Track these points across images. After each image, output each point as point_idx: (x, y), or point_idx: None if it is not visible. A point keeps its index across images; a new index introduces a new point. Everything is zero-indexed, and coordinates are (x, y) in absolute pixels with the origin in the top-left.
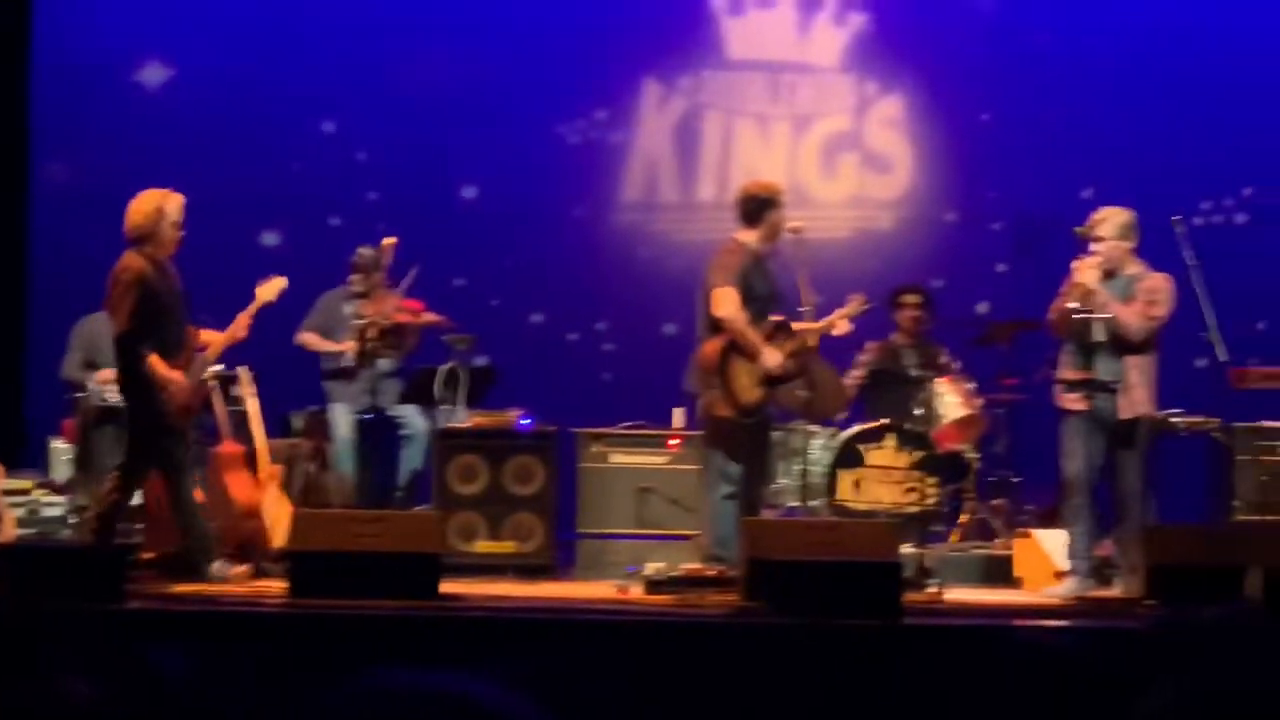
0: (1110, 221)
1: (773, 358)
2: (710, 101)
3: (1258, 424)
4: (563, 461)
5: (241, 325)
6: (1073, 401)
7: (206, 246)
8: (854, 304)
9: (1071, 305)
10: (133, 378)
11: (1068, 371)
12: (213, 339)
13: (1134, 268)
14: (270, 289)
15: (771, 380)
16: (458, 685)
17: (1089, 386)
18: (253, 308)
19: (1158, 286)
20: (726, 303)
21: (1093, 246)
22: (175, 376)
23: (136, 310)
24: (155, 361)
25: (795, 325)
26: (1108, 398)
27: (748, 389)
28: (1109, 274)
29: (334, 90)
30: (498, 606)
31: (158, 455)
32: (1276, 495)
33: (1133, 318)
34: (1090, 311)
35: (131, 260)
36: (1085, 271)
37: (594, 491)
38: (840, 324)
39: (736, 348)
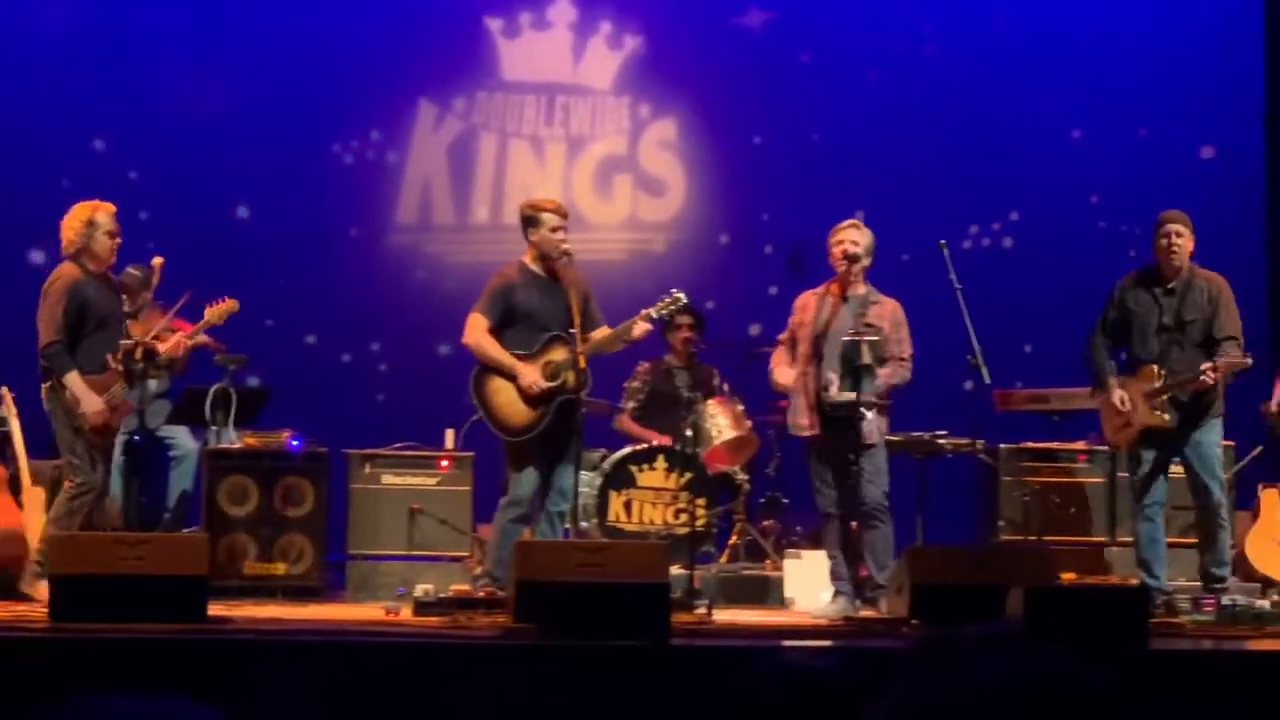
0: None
1: (527, 375)
2: (485, 123)
3: (1022, 445)
4: (334, 483)
5: (180, 345)
6: (804, 420)
7: None
8: (662, 303)
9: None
10: (53, 391)
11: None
12: None
13: (862, 288)
14: (219, 312)
15: (539, 397)
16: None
17: (847, 408)
18: (196, 329)
19: (900, 319)
20: (469, 329)
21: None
22: (90, 398)
23: (64, 322)
24: (74, 379)
25: (600, 333)
26: (852, 420)
27: (509, 409)
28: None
29: (104, 107)
30: (266, 629)
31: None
32: (1039, 515)
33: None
34: (860, 335)
35: (64, 269)
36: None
37: (365, 513)
38: (641, 324)
39: (493, 370)
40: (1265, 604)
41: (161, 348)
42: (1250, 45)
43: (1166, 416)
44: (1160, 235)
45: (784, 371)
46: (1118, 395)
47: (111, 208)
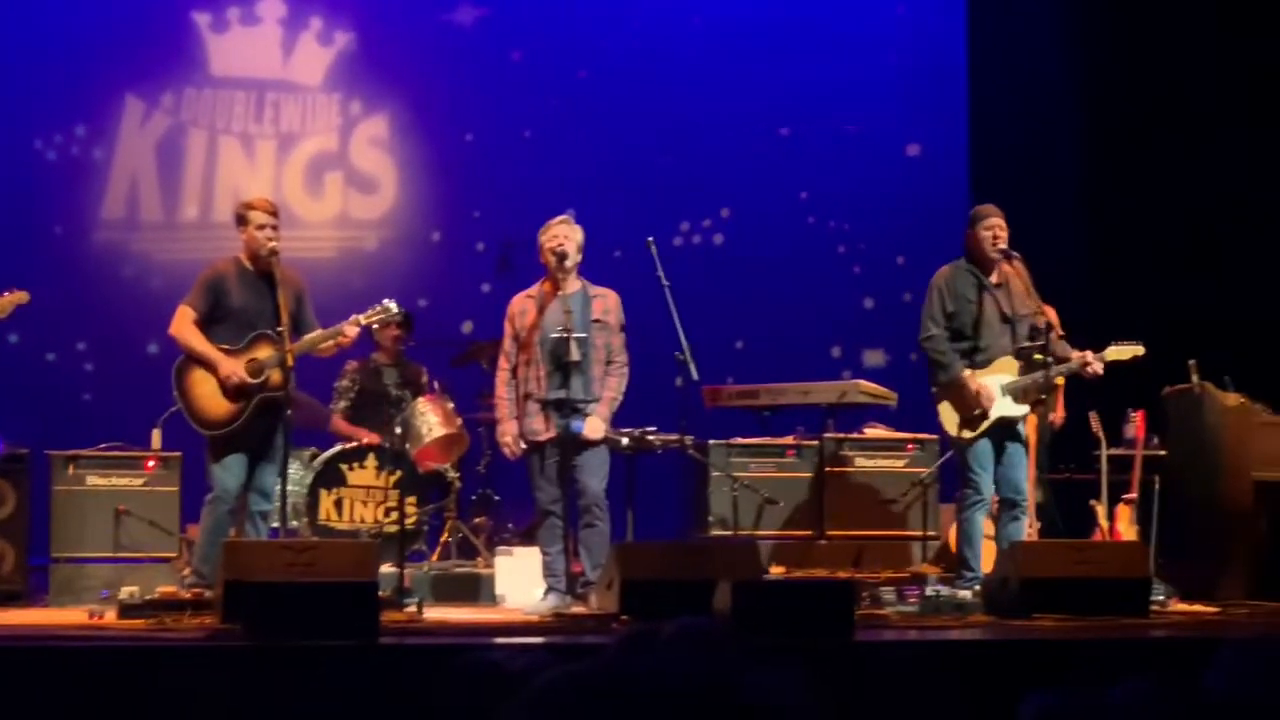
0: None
1: (225, 365)
2: (194, 119)
3: (731, 441)
4: (36, 484)
5: None
6: (539, 425)
7: None
8: (373, 311)
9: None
10: None
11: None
12: None
13: (577, 284)
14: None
15: (238, 390)
16: None
17: (562, 407)
18: None
19: (621, 312)
20: (175, 320)
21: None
22: None
23: None
24: None
25: (311, 334)
26: (575, 417)
27: (208, 401)
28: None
29: None
30: None
31: None
32: (748, 510)
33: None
34: (570, 331)
35: None
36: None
37: (69, 515)
38: (349, 328)
39: (196, 362)
40: (967, 594)
41: None
42: (953, 44)
43: (1026, 408)
44: (984, 228)
45: (506, 397)
46: (975, 385)
47: None
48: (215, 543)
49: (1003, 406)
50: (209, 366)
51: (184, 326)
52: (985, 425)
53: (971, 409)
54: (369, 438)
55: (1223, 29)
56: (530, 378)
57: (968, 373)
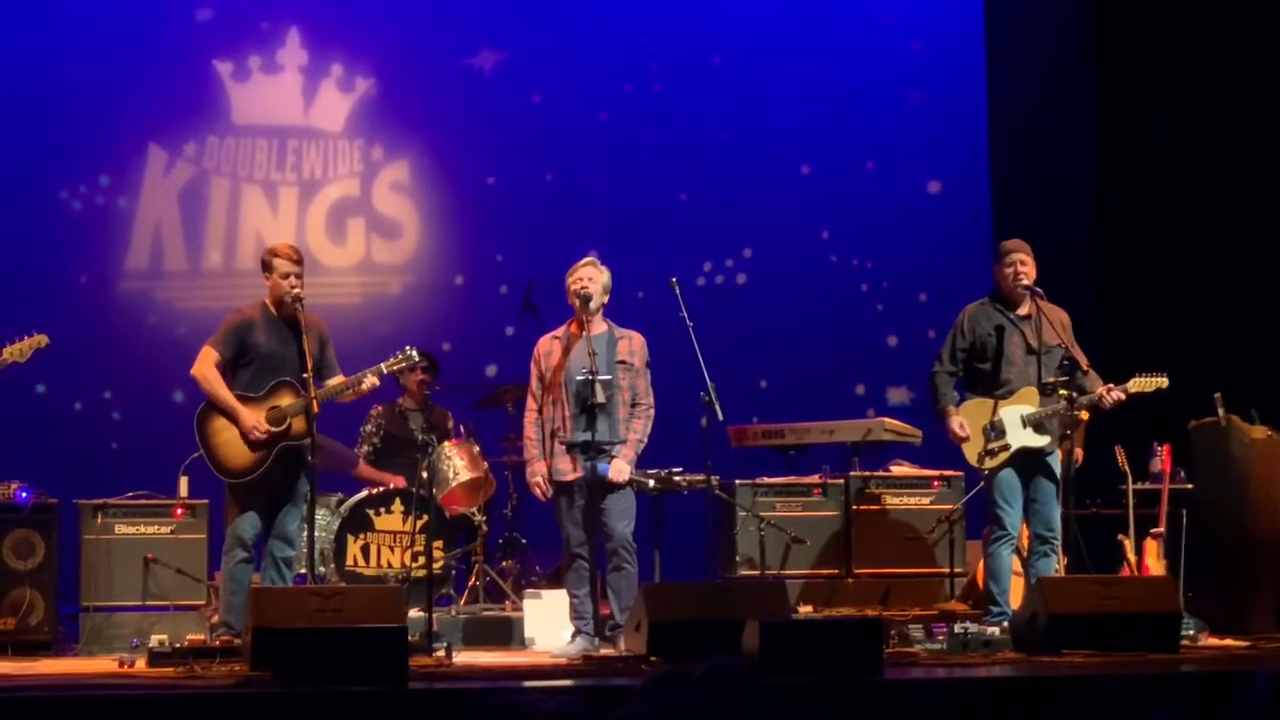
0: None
1: (247, 419)
2: (216, 167)
3: (757, 480)
4: (65, 533)
5: None
6: (565, 465)
7: None
8: (394, 359)
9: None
10: None
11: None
12: None
13: (603, 325)
14: (23, 348)
15: (260, 442)
16: None
17: (588, 449)
18: None
19: (647, 355)
20: (199, 360)
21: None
22: None
23: None
24: None
25: (333, 381)
26: (601, 459)
27: (229, 449)
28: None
29: None
30: None
31: None
32: (775, 550)
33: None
34: (596, 373)
35: None
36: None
37: (98, 564)
38: (370, 378)
39: (217, 408)
40: (995, 630)
41: None
42: (973, 80)
43: (1047, 439)
44: (1006, 264)
45: (534, 438)
46: (956, 421)
47: None
48: (236, 592)
49: (1023, 437)
50: (230, 417)
51: (208, 369)
52: (1005, 455)
53: (971, 442)
54: (395, 482)
55: (1245, 63)
56: (556, 418)
57: (950, 409)
